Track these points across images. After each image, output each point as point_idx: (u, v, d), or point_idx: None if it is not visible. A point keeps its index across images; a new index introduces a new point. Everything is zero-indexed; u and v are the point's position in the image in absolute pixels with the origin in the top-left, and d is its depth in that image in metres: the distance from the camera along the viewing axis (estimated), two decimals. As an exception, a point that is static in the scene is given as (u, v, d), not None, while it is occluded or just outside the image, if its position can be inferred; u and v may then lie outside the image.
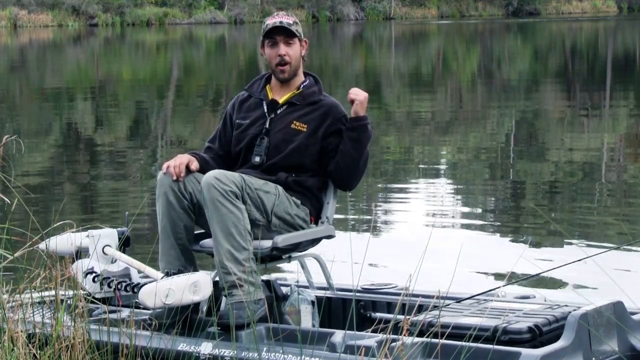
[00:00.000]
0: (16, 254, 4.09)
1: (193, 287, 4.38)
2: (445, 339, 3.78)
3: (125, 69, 31.29)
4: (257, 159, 4.75)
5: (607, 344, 4.01)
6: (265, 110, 4.81)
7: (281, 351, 4.02)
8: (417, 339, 3.75)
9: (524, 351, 3.76)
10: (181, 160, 4.63)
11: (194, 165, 4.65)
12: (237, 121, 4.84)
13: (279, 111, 4.80)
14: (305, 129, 4.74)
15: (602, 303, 4.11)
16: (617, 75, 25.14)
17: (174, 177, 4.58)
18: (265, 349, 4.08)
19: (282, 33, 4.75)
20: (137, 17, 59.76)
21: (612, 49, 36.02)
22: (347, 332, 4.08)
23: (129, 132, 16.37)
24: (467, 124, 16.32)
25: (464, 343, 3.75)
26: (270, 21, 4.77)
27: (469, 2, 71.70)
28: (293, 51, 4.76)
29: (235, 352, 4.12)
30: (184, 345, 4.26)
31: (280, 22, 4.74)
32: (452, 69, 29.56)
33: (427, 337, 3.79)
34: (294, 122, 4.76)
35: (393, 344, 3.80)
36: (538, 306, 4.29)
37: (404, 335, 3.55)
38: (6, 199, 4.23)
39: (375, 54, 37.45)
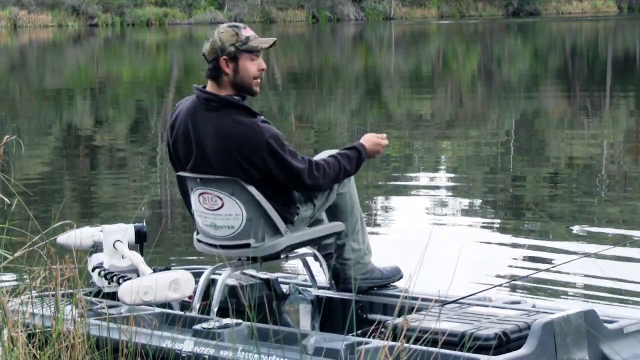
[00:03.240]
0: (16, 254, 4.09)
1: (173, 284, 4.42)
2: (415, 343, 3.73)
3: (125, 69, 31.29)
4: None
5: (575, 353, 3.97)
6: None
7: (255, 351, 4.02)
8: (382, 343, 3.72)
9: (483, 358, 3.75)
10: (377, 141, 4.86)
11: None
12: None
13: None
14: None
15: (572, 311, 4.08)
16: (617, 75, 25.14)
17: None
18: (240, 348, 4.07)
19: (271, 47, 4.74)
20: (137, 17, 59.76)
21: (612, 49, 36.02)
22: (320, 333, 4.12)
23: (129, 132, 16.38)
24: (467, 124, 16.33)
25: (422, 347, 3.74)
26: (250, 33, 4.67)
27: (469, 2, 71.68)
28: None
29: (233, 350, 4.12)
30: (170, 342, 4.24)
31: (274, 41, 4.72)
32: (452, 69, 29.56)
33: (395, 340, 3.72)
34: None
35: (360, 347, 3.82)
36: (516, 312, 4.28)
37: (375, 338, 3.58)
38: (6, 199, 4.23)
39: (375, 54, 37.45)
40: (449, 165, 12.36)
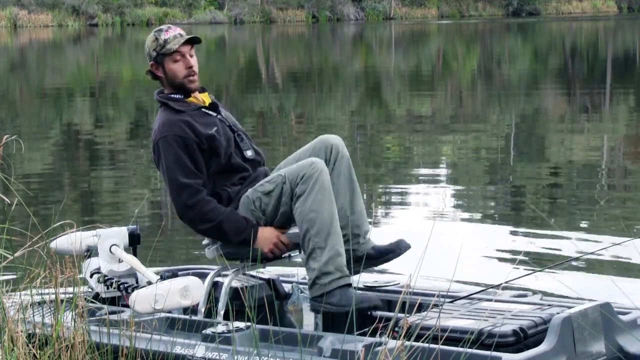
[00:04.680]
0: (16, 254, 4.09)
1: (183, 291, 4.41)
2: (431, 341, 3.74)
3: (125, 69, 31.29)
4: (250, 152, 4.72)
5: (593, 346, 3.97)
6: (213, 114, 4.71)
7: (256, 352, 4.00)
8: (400, 342, 3.70)
9: (505, 356, 3.73)
10: (275, 241, 4.55)
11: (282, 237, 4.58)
12: (206, 134, 4.58)
13: (220, 110, 4.75)
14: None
15: (588, 305, 4.08)
16: (617, 75, 25.14)
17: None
18: (255, 352, 4.05)
19: (189, 44, 4.69)
20: (137, 17, 59.79)
21: (612, 49, 36.02)
22: (336, 335, 4.08)
23: (129, 132, 16.38)
24: (467, 124, 16.32)
25: (443, 346, 3.73)
26: (169, 35, 4.69)
27: (469, 2, 71.69)
28: (196, 61, 4.72)
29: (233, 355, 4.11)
30: (181, 348, 4.23)
31: (191, 34, 4.70)
32: (452, 69, 29.56)
33: (412, 339, 3.74)
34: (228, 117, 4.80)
35: (378, 348, 3.79)
36: (528, 307, 4.27)
37: (390, 338, 3.55)
38: (6, 199, 4.22)
39: (375, 54, 37.45)
40: (449, 164, 12.35)
